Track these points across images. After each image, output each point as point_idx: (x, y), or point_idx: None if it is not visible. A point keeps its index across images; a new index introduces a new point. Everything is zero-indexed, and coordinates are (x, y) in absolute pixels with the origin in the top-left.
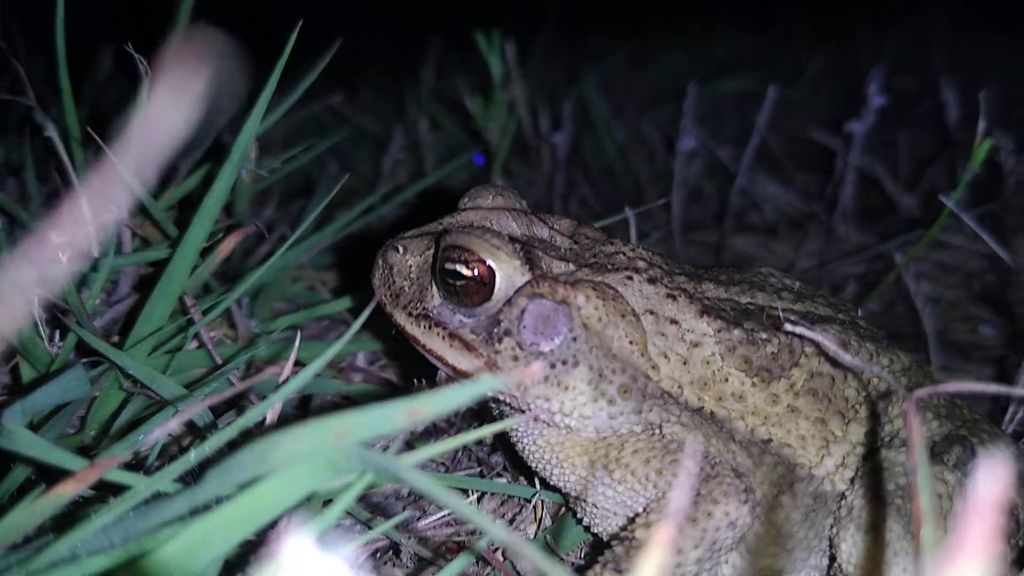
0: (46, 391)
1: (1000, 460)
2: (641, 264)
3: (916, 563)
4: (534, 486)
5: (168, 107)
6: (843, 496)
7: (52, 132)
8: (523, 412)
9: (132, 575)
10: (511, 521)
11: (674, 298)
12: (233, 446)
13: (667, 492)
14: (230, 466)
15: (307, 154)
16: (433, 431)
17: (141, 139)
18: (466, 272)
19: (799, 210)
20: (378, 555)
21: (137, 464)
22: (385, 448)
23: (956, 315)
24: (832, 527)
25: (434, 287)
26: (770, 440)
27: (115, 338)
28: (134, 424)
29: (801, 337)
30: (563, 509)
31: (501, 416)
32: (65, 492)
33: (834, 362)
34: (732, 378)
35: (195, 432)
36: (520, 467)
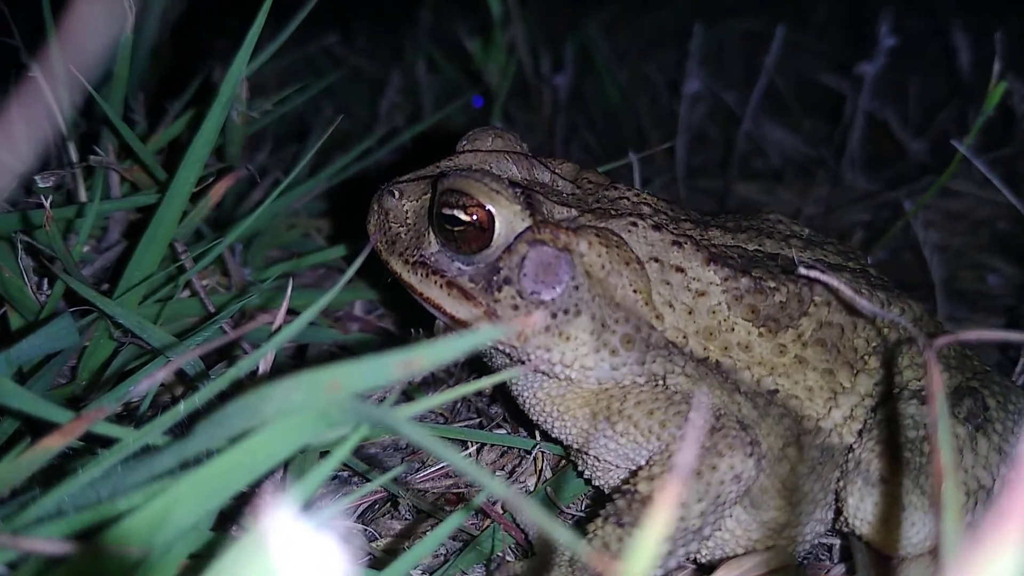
0: (32, 340)
1: None
2: (646, 210)
3: (936, 520)
4: (534, 437)
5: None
6: (851, 449)
7: (38, 73)
8: (523, 363)
9: (119, 531)
10: (511, 473)
11: (680, 245)
12: (225, 397)
13: (670, 444)
14: (220, 419)
15: (301, 96)
16: (432, 381)
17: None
18: (464, 217)
19: (806, 156)
20: (376, 507)
21: (128, 414)
22: (382, 399)
23: (964, 264)
24: (839, 480)
25: (431, 233)
26: (777, 391)
27: (105, 286)
28: (126, 374)
29: (815, 282)
30: (564, 461)
31: (501, 367)
32: (51, 445)
33: (843, 312)
34: (739, 328)
35: (187, 382)
36: (520, 418)
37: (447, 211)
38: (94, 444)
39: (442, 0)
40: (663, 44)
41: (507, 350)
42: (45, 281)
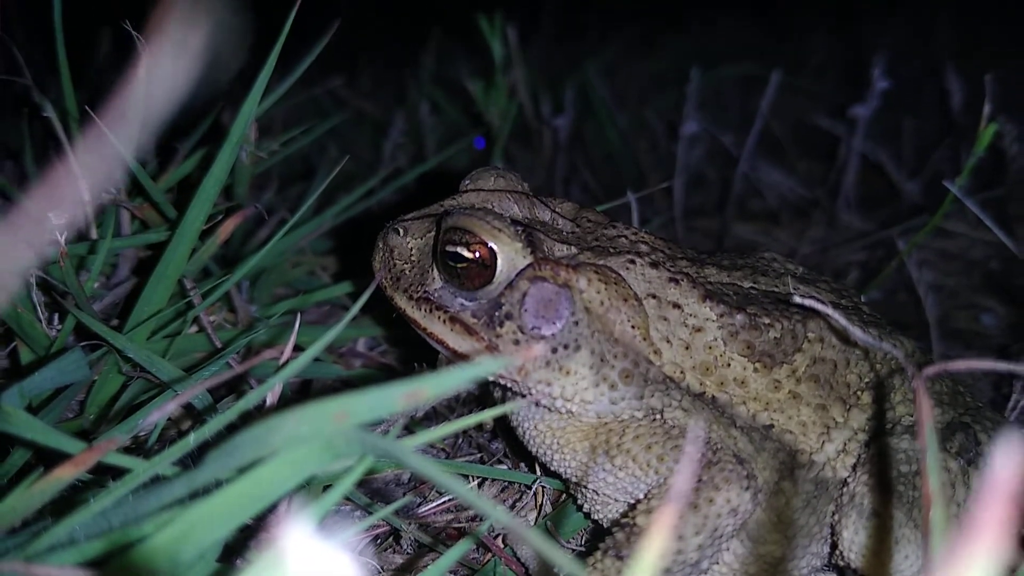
0: (44, 374)
1: (1015, 447)
2: (643, 248)
3: (923, 547)
4: (535, 472)
5: (164, 67)
6: (845, 483)
7: (50, 112)
8: (524, 397)
9: (130, 559)
10: (511, 507)
11: (677, 282)
12: (232, 429)
13: (668, 478)
14: (229, 449)
15: (307, 137)
16: (434, 417)
17: (138, 101)
18: (467, 254)
19: (801, 196)
20: (378, 541)
21: (136, 448)
22: (385, 433)
23: (958, 303)
24: (834, 514)
25: (435, 270)
26: (771, 426)
27: (114, 321)
28: (134, 408)
29: (809, 319)
30: (563, 495)
31: (502, 402)
32: (63, 475)
33: (836, 348)
34: (734, 363)
35: (195, 416)
36: (521, 453)
37: (451, 248)
38: (102, 476)
39: (445, 44)
40: (661, 87)
41: (508, 384)
42: (56, 316)
